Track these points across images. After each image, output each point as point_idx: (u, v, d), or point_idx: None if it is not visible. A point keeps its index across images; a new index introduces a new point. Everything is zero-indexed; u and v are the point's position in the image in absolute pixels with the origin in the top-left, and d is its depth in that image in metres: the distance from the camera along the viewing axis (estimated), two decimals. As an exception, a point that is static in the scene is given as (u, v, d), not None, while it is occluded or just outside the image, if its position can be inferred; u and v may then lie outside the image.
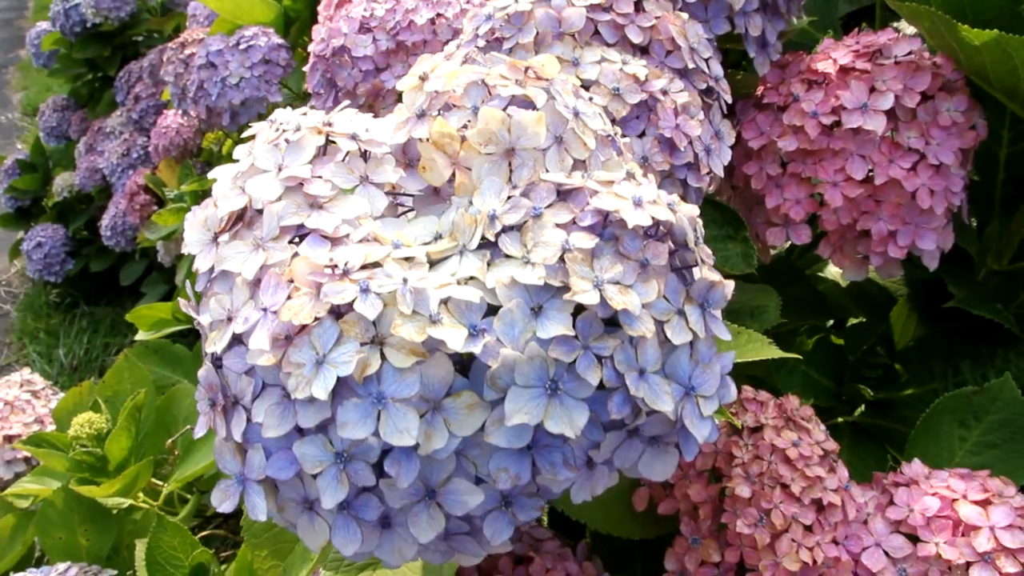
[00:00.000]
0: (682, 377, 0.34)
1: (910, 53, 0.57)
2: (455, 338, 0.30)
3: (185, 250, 0.39)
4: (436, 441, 0.31)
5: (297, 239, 0.35)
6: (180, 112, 1.25)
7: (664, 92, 0.48)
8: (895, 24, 0.84)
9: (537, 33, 0.49)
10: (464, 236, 0.35)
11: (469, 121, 0.37)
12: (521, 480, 0.32)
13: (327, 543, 0.33)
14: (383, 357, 0.31)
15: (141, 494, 0.92)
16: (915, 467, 0.50)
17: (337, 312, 0.31)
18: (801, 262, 0.73)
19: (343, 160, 0.38)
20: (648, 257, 0.34)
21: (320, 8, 0.97)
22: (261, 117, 1.13)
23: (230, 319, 0.34)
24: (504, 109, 0.37)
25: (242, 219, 0.37)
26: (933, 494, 0.47)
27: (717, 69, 0.53)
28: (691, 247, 0.35)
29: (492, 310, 0.32)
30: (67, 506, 0.87)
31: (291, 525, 0.34)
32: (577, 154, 0.38)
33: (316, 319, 0.31)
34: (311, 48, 0.73)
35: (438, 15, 0.68)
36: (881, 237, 0.57)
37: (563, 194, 0.35)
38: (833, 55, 0.58)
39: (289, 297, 0.32)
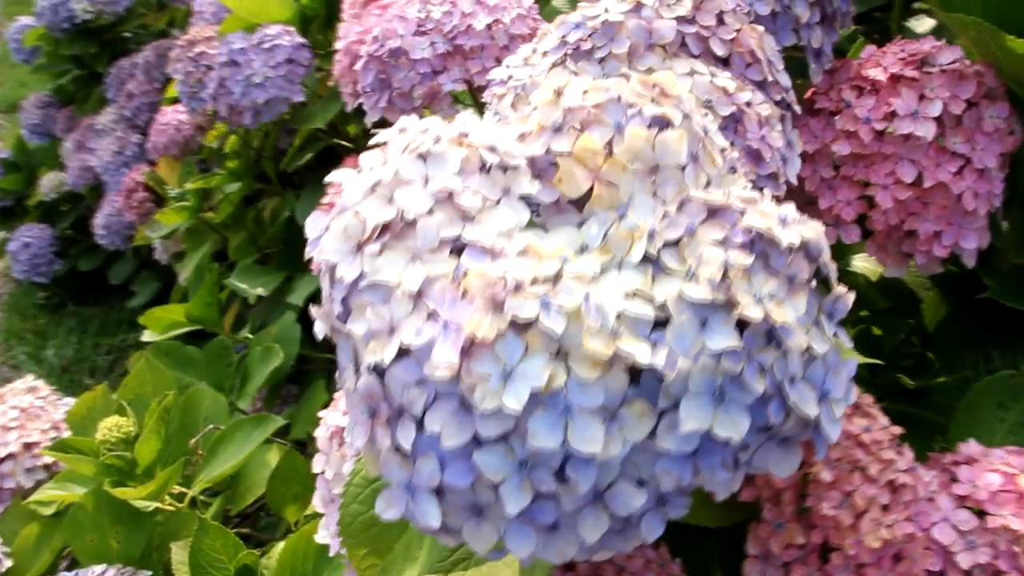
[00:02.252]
0: (818, 383, 0.36)
1: (954, 61, 0.61)
2: (642, 351, 0.32)
3: (319, 256, 0.40)
4: (613, 448, 0.33)
5: (454, 252, 0.36)
6: (189, 109, 1.23)
7: (748, 104, 0.51)
8: (907, 23, 0.88)
9: (630, 44, 0.51)
10: (620, 250, 0.36)
11: (613, 138, 0.39)
12: (682, 482, 0.34)
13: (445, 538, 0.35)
14: (567, 370, 0.32)
15: (167, 496, 0.92)
16: (972, 446, 0.53)
17: (518, 326, 0.33)
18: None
19: (486, 172, 0.39)
20: (794, 272, 0.36)
21: (345, 6, 0.96)
22: (283, 115, 1.13)
23: (392, 330, 0.35)
24: (649, 126, 0.38)
25: (388, 229, 0.38)
26: (994, 470, 0.51)
27: (787, 81, 0.55)
28: (825, 262, 0.38)
29: (655, 323, 0.34)
30: (98, 509, 0.87)
31: (453, 532, 0.36)
32: (709, 171, 0.40)
33: (499, 333, 0.33)
34: (364, 49, 0.72)
35: (496, 20, 0.69)
36: (927, 237, 0.60)
37: (712, 211, 0.37)
38: (882, 63, 0.61)
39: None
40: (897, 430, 0.52)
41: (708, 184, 0.39)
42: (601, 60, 0.52)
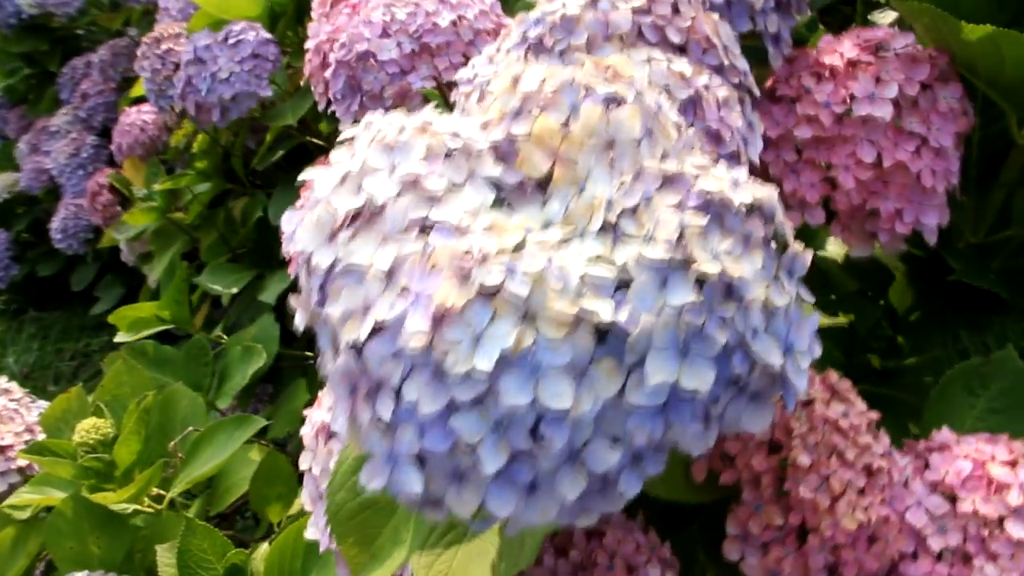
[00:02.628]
0: (782, 336, 0.38)
1: (907, 46, 0.63)
2: (605, 309, 0.33)
3: (294, 248, 0.41)
4: (584, 405, 0.34)
5: (422, 232, 0.38)
6: (157, 108, 1.25)
7: (706, 87, 0.52)
8: (871, 16, 0.91)
9: (588, 36, 0.53)
10: (581, 222, 0.38)
11: (569, 118, 0.40)
12: (655, 436, 0.36)
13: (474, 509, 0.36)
14: (535, 331, 0.34)
15: (146, 498, 0.92)
16: (945, 434, 0.55)
17: (485, 293, 0.34)
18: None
19: (449, 158, 0.40)
20: (749, 231, 0.38)
21: (315, 4, 0.98)
22: (252, 113, 1.14)
23: (367, 308, 0.36)
24: (602, 104, 0.40)
25: (359, 217, 0.39)
26: (965, 457, 0.52)
27: (745, 65, 0.57)
28: (780, 222, 0.39)
29: (617, 286, 0.35)
30: (77, 514, 0.87)
31: (436, 500, 0.37)
32: (665, 145, 0.41)
33: (468, 301, 0.34)
34: (333, 56, 0.74)
35: (460, 17, 0.71)
36: (889, 215, 0.62)
37: (667, 179, 0.38)
38: (839, 49, 0.64)
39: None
40: (874, 415, 0.54)
41: (665, 157, 0.41)
42: (561, 53, 0.53)
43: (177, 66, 1.17)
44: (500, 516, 0.36)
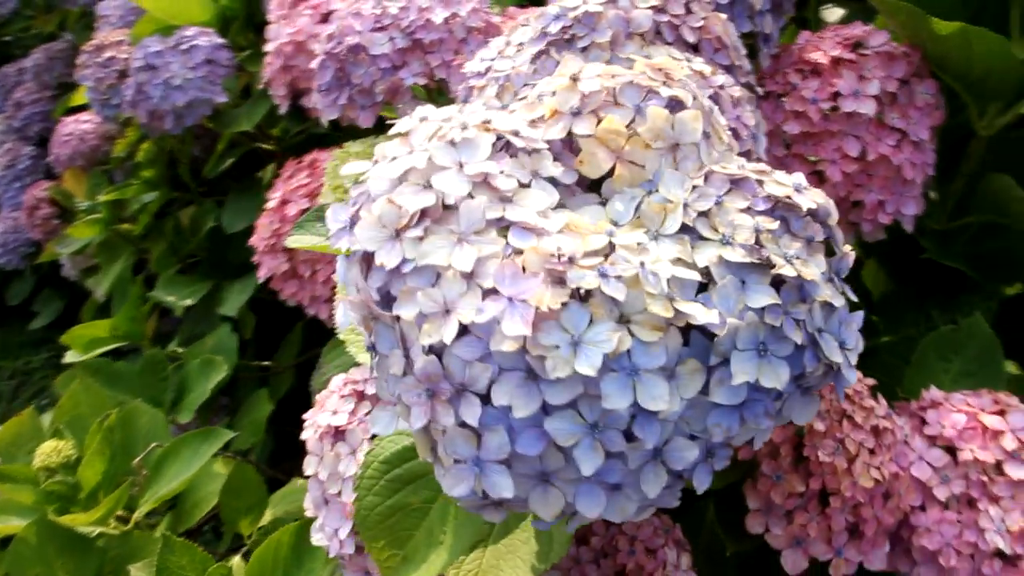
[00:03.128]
0: (837, 334, 0.40)
1: (884, 44, 0.66)
2: (700, 312, 0.34)
3: (355, 247, 0.40)
4: (674, 405, 0.35)
5: (499, 232, 0.37)
6: (102, 117, 1.18)
7: (722, 87, 0.54)
8: (823, 9, 0.95)
9: (612, 33, 0.53)
10: (653, 223, 0.38)
11: (635, 119, 0.41)
12: (731, 432, 0.37)
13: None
14: (631, 334, 0.34)
15: (112, 519, 0.89)
16: (934, 392, 0.59)
17: (579, 297, 0.35)
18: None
19: (515, 157, 0.40)
20: (811, 235, 0.39)
21: (272, 7, 0.95)
22: (207, 119, 1.09)
23: (448, 311, 0.36)
24: (665, 107, 0.41)
25: (427, 215, 0.39)
26: (958, 411, 0.56)
27: (749, 64, 0.59)
28: (832, 225, 0.41)
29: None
30: (41, 540, 0.83)
31: (517, 502, 0.37)
32: (719, 147, 0.42)
33: (563, 304, 0.34)
34: (320, 47, 0.72)
35: (453, 14, 0.70)
36: (873, 206, 0.66)
37: (734, 183, 0.39)
38: (822, 47, 0.66)
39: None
40: (871, 381, 0.57)
41: (717, 159, 0.42)
42: (583, 49, 0.54)
43: (122, 74, 1.11)
44: (589, 516, 0.36)
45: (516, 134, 0.41)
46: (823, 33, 0.69)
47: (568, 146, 0.43)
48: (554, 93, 0.44)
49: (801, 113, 0.65)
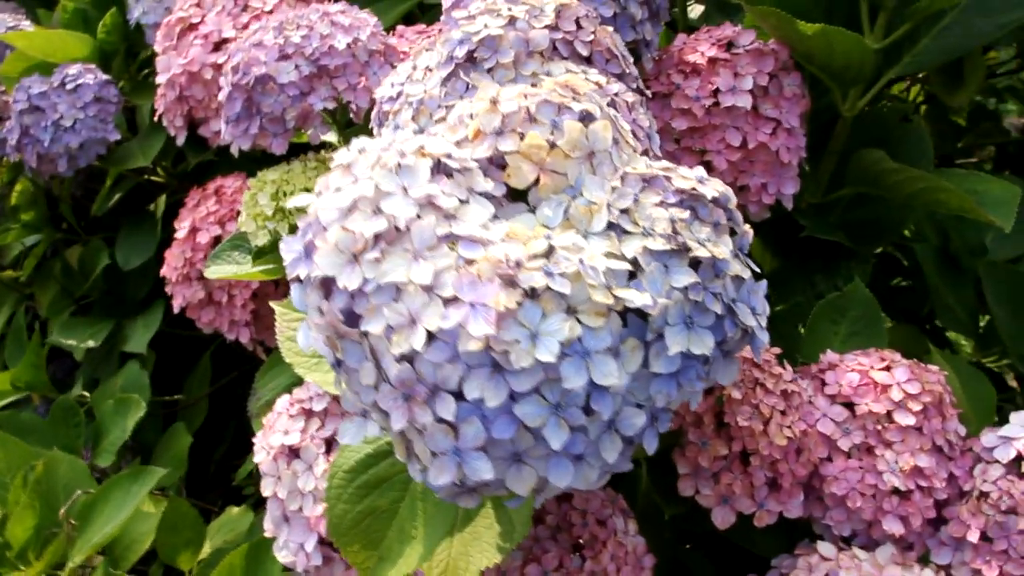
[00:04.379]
0: (748, 302, 0.46)
1: (753, 42, 0.74)
2: (635, 296, 0.40)
3: (315, 273, 0.43)
4: (622, 378, 0.40)
5: (449, 247, 0.42)
6: None
7: (617, 94, 0.60)
8: (688, 7, 1.03)
9: (514, 54, 0.58)
10: (581, 223, 0.43)
11: (553, 133, 0.46)
12: (671, 397, 0.43)
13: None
14: (579, 322, 0.39)
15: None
16: (830, 355, 0.67)
17: (531, 295, 0.39)
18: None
19: (451, 177, 0.44)
20: (717, 219, 0.45)
21: (158, 37, 0.95)
22: (100, 159, 1.08)
23: (414, 321, 0.40)
24: (578, 120, 0.46)
25: (381, 238, 0.42)
26: (852, 370, 0.64)
27: (636, 71, 0.65)
28: (732, 208, 0.47)
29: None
30: None
31: (495, 482, 0.41)
32: (627, 150, 0.48)
33: (518, 303, 0.39)
34: (226, 79, 0.74)
35: (355, 39, 0.73)
36: (757, 189, 0.73)
37: (646, 181, 0.45)
38: (699, 49, 0.73)
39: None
40: (776, 350, 0.64)
41: (627, 161, 0.48)
42: (489, 70, 0.58)
43: None
44: (559, 486, 0.41)
45: (449, 156, 0.45)
46: (698, 35, 0.76)
47: (492, 162, 0.48)
48: (471, 116, 0.49)
49: (686, 110, 0.72)
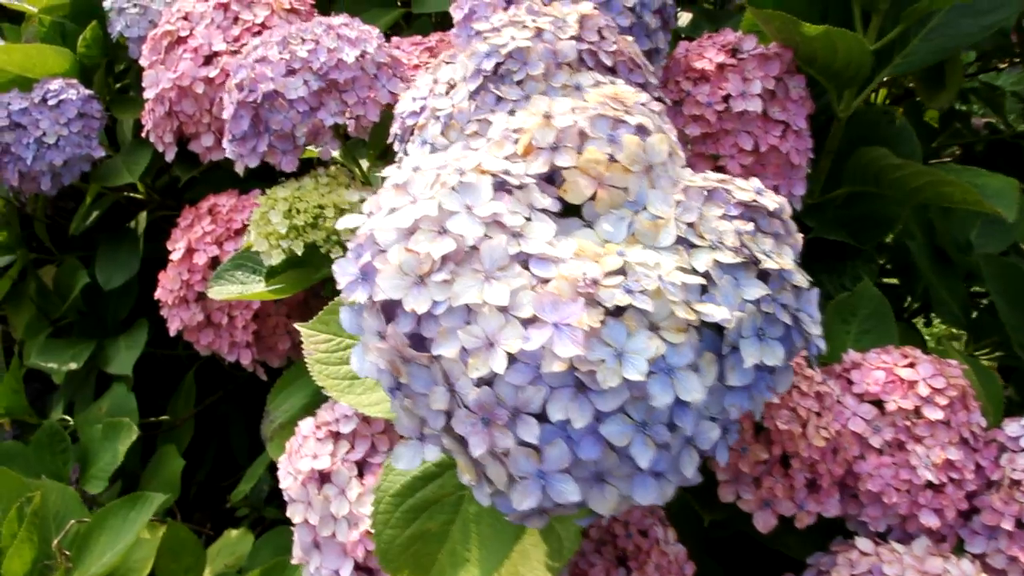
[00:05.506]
0: (808, 311, 0.46)
1: (756, 47, 0.75)
2: (715, 311, 0.39)
3: (379, 296, 0.42)
4: (702, 393, 0.40)
5: (521, 266, 0.41)
6: None
7: (644, 104, 0.60)
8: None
9: (544, 66, 0.57)
10: (648, 238, 0.43)
11: (612, 148, 0.45)
12: (743, 409, 0.43)
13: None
14: (661, 339, 0.39)
15: None
16: (853, 355, 0.68)
17: (613, 314, 0.39)
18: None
19: (511, 194, 0.44)
20: (776, 230, 0.46)
21: (145, 51, 0.92)
22: (84, 176, 1.04)
23: (491, 344, 0.39)
24: (636, 135, 0.46)
25: (449, 258, 0.41)
26: (877, 368, 0.65)
27: (656, 80, 0.65)
28: (786, 219, 0.48)
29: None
30: None
31: (570, 504, 0.41)
32: (679, 163, 0.48)
33: (601, 322, 0.38)
34: (231, 97, 0.71)
35: (363, 52, 0.71)
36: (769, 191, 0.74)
37: (708, 193, 0.45)
38: (706, 55, 0.74)
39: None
40: (804, 351, 0.65)
41: (680, 174, 0.48)
42: (519, 82, 0.58)
43: None
44: (643, 503, 0.40)
45: (507, 173, 0.44)
46: (701, 42, 0.77)
47: (544, 177, 0.47)
48: (517, 130, 0.48)
49: (699, 116, 0.72)
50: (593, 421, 0.39)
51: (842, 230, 0.80)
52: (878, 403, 0.64)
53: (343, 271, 0.45)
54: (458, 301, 0.40)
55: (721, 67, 0.73)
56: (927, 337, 1.23)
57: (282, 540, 0.97)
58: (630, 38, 0.64)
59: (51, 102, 0.95)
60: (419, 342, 0.42)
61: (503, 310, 0.39)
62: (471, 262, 0.41)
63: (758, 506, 0.61)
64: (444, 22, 1.21)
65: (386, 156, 0.81)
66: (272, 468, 1.10)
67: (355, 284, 0.44)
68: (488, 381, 0.39)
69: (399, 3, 1.24)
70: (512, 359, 0.39)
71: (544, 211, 0.45)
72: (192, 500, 1.42)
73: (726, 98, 0.72)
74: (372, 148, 0.78)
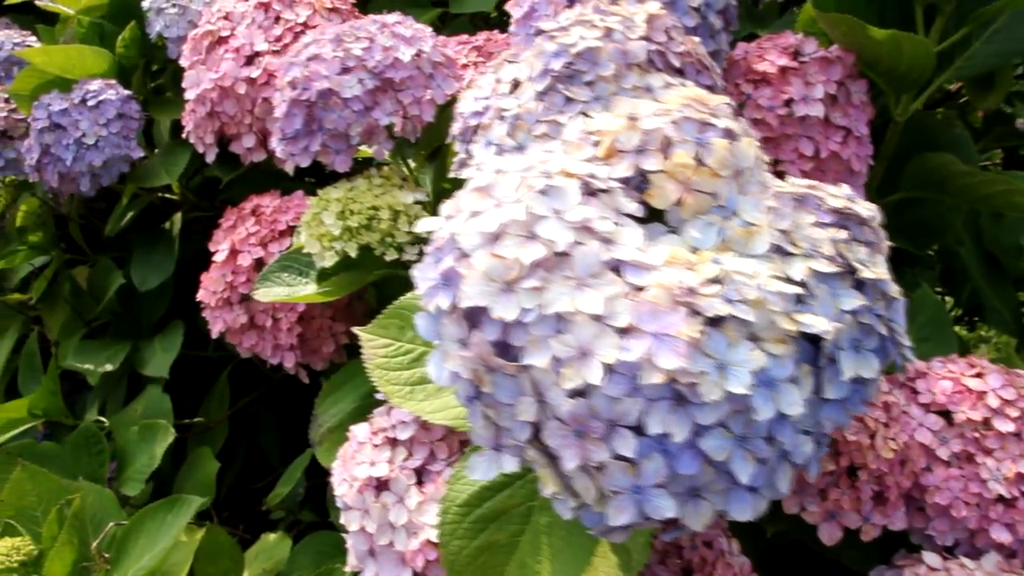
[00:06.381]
0: (899, 322, 0.45)
1: (817, 50, 0.73)
2: (816, 321, 0.38)
3: (465, 303, 0.41)
4: (803, 406, 0.39)
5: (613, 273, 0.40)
6: None
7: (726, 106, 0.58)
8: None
9: (614, 66, 0.56)
10: (740, 245, 0.42)
11: (699, 152, 0.44)
12: (838, 423, 0.41)
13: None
14: (762, 350, 0.38)
15: None
16: (917, 363, 0.66)
17: (713, 323, 0.38)
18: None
19: (596, 197, 0.43)
20: (868, 238, 0.44)
21: (185, 51, 0.91)
22: (125, 176, 1.03)
23: (586, 353, 0.38)
24: (724, 138, 0.44)
25: (539, 264, 0.40)
26: (943, 377, 0.64)
27: (723, 83, 0.64)
28: (876, 227, 0.46)
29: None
30: None
31: (664, 520, 0.40)
32: (764, 168, 0.47)
33: (701, 332, 0.37)
34: (282, 95, 0.70)
35: (419, 51, 0.70)
36: (828, 197, 0.72)
37: (798, 200, 0.44)
38: (767, 57, 0.73)
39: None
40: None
41: (766, 179, 0.46)
42: (589, 83, 0.57)
43: (3, 134, 1.03)
44: (740, 519, 0.39)
45: (593, 176, 0.43)
46: (761, 43, 0.76)
47: (626, 181, 0.46)
48: (596, 132, 0.47)
49: (760, 120, 0.71)
50: (692, 435, 0.37)
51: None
52: (945, 414, 0.63)
53: (423, 276, 0.44)
54: (549, 309, 0.39)
55: (783, 70, 0.72)
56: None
57: (321, 545, 0.96)
58: (696, 39, 0.62)
59: (91, 103, 0.95)
60: (504, 350, 0.41)
61: (597, 319, 0.38)
62: (562, 269, 0.40)
63: (823, 518, 0.59)
64: (482, 22, 1.20)
65: (435, 157, 0.80)
66: (307, 471, 1.10)
67: (436, 290, 0.43)
68: (582, 392, 0.38)
69: (433, 2, 1.23)
70: (608, 370, 0.38)
71: (629, 216, 0.44)
72: (222, 501, 1.41)
73: (788, 102, 0.71)
74: (422, 148, 0.77)
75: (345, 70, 0.70)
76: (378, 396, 0.69)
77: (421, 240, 0.71)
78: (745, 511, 0.39)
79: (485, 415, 0.43)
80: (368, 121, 0.70)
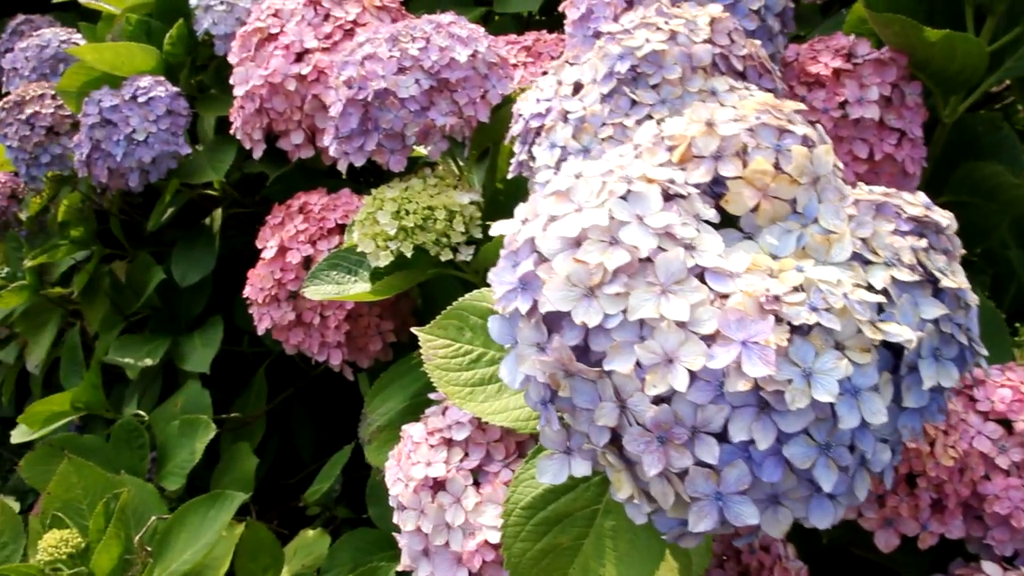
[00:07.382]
0: (975, 328, 0.45)
1: (871, 51, 0.73)
2: (899, 330, 0.38)
3: (545, 308, 0.41)
4: (885, 415, 0.39)
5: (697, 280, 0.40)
6: (28, 177, 1.09)
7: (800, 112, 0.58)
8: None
9: (680, 70, 0.56)
10: (819, 252, 0.42)
11: (778, 158, 0.44)
12: (915, 432, 0.41)
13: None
14: (847, 359, 0.38)
15: None
16: (975, 371, 0.66)
17: (799, 331, 0.38)
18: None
19: (676, 203, 0.43)
20: (946, 246, 0.44)
21: (234, 48, 0.92)
22: (171, 172, 1.04)
23: (670, 360, 0.38)
24: (802, 145, 0.44)
25: (622, 270, 0.40)
26: (1002, 386, 0.64)
27: (783, 85, 0.64)
28: (951, 235, 0.46)
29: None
30: None
31: (745, 527, 0.40)
32: (839, 173, 0.47)
33: (788, 340, 0.37)
34: (337, 95, 0.71)
35: (474, 52, 0.71)
36: (882, 201, 0.72)
37: (877, 207, 0.44)
38: (821, 59, 0.72)
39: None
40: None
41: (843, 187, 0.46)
42: (655, 86, 0.57)
43: (49, 130, 1.04)
44: (818, 526, 0.39)
45: (672, 182, 0.43)
46: (813, 45, 0.75)
47: (697, 186, 0.46)
48: (668, 137, 0.47)
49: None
50: (776, 442, 0.38)
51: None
52: (1004, 422, 0.63)
53: (499, 280, 0.44)
54: (633, 315, 0.39)
55: (837, 72, 0.72)
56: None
57: (360, 542, 0.97)
58: (757, 42, 0.62)
59: (141, 99, 0.96)
60: (583, 355, 0.41)
61: (682, 325, 0.38)
62: (645, 275, 0.40)
63: (880, 525, 0.59)
64: (525, 22, 1.20)
65: (484, 156, 0.80)
66: (344, 468, 1.11)
67: (514, 293, 0.43)
68: (665, 398, 0.39)
69: (476, 1, 1.24)
70: (693, 376, 0.38)
71: (707, 222, 0.44)
72: (254, 496, 1.43)
73: (842, 104, 0.71)
74: (473, 148, 0.77)
75: (401, 70, 0.70)
76: (430, 396, 0.69)
77: (475, 241, 0.71)
78: (825, 518, 0.39)
79: (559, 419, 0.44)
80: (425, 121, 0.70)
